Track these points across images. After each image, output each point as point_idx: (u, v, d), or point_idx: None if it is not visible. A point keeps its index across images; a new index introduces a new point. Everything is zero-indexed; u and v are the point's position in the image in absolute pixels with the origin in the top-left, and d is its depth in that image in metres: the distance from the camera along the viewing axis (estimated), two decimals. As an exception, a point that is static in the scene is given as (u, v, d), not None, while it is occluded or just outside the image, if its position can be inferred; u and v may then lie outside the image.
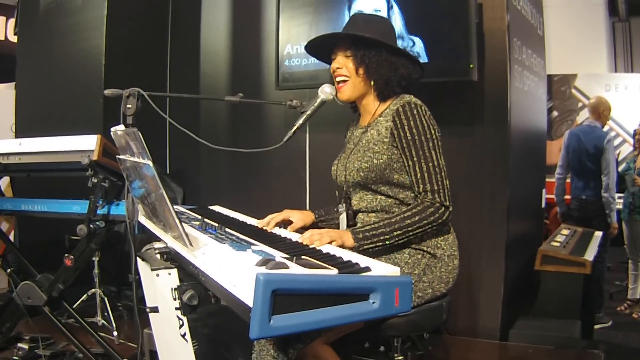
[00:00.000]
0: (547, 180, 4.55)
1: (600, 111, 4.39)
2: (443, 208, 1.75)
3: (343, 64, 1.88)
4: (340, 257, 1.46)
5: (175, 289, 1.62)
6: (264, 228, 1.93)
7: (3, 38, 7.54)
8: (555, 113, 7.28)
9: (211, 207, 2.42)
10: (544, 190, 4.35)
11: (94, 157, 2.40)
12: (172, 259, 1.67)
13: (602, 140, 4.25)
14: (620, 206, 4.54)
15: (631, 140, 6.29)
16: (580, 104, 7.23)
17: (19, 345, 2.85)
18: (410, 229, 1.72)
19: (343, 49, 1.89)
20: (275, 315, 1.11)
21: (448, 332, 3.30)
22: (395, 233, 1.71)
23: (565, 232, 3.98)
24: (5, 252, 3.36)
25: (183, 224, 1.49)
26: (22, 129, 4.24)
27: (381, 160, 1.81)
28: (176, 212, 1.47)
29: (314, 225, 2.05)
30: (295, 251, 1.49)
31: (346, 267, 1.35)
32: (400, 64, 1.86)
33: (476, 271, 3.26)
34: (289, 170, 3.85)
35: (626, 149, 6.91)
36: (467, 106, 3.25)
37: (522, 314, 3.42)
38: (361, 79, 1.88)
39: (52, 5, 4.12)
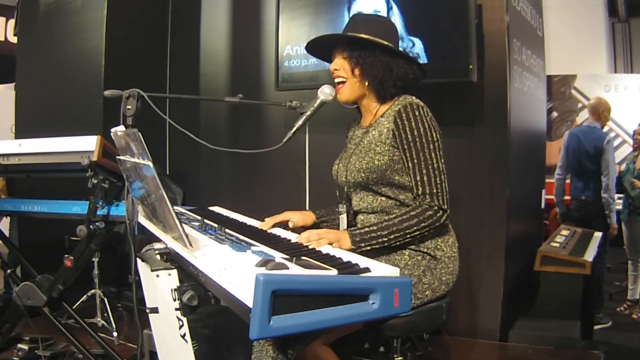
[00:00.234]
0: (547, 180, 4.55)
1: (600, 112, 4.39)
2: (441, 211, 1.75)
3: (340, 65, 1.89)
4: (340, 258, 1.47)
5: (175, 289, 1.62)
6: (264, 228, 1.94)
7: (3, 39, 7.55)
8: (555, 114, 7.29)
9: (211, 208, 2.42)
10: (543, 191, 4.35)
11: (94, 157, 2.40)
12: (172, 259, 1.67)
13: (602, 141, 4.25)
14: (620, 207, 4.54)
15: (631, 141, 6.30)
16: (580, 105, 7.24)
17: (19, 345, 2.85)
18: (407, 231, 1.72)
19: (340, 50, 1.89)
20: (275, 316, 1.12)
21: (448, 332, 3.30)
22: (392, 236, 1.72)
23: (565, 232, 3.98)
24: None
25: (183, 224, 1.49)
26: (22, 130, 4.24)
27: (382, 161, 1.81)
28: (176, 213, 1.47)
29: (314, 226, 2.05)
30: (295, 252, 1.49)
31: (346, 267, 1.35)
32: (394, 64, 1.86)
33: (476, 272, 3.26)
34: (288, 171, 3.85)
35: (626, 150, 6.92)
36: (467, 107, 3.26)
37: (522, 315, 3.42)
38: (357, 80, 1.88)
39: (52, 6, 4.13)
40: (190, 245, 1.48)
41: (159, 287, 1.69)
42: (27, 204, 2.83)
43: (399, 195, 1.84)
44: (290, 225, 1.96)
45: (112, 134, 1.83)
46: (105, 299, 3.34)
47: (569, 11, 7.39)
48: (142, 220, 1.94)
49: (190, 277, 1.57)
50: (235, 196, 4.05)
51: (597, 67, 7.58)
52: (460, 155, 3.20)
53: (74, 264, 2.61)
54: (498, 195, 3.21)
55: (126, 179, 1.82)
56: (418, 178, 1.78)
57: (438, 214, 1.75)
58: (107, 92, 1.91)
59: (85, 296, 3.40)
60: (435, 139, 1.79)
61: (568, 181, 4.59)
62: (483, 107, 3.23)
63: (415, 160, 1.78)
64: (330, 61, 1.95)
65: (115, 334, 3.16)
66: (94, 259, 3.23)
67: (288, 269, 1.22)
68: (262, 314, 1.09)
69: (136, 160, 1.62)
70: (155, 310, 1.81)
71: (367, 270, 1.34)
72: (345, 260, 1.44)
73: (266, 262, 1.23)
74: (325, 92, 1.89)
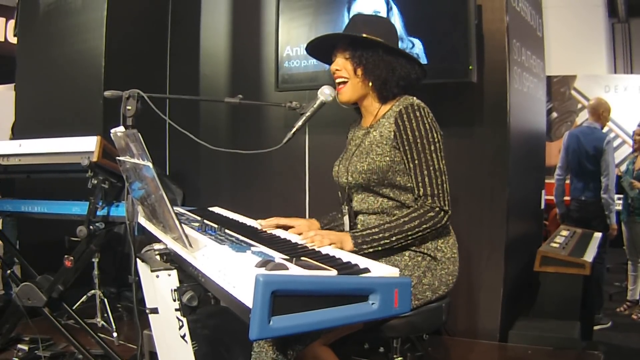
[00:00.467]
0: (547, 181, 4.55)
1: (600, 112, 4.39)
2: (442, 212, 1.75)
3: (342, 65, 1.88)
4: (339, 259, 1.47)
5: (175, 290, 1.62)
6: (264, 229, 1.93)
7: (3, 39, 7.55)
8: (554, 114, 7.29)
9: (211, 209, 2.42)
10: (543, 192, 4.35)
11: (94, 158, 2.41)
12: (171, 260, 1.67)
13: (602, 142, 4.25)
14: (619, 207, 4.54)
15: (630, 142, 6.30)
16: (579, 105, 7.24)
17: (19, 346, 2.85)
18: (409, 233, 1.72)
19: (342, 50, 1.89)
20: (275, 316, 1.12)
21: (447, 333, 3.30)
22: (394, 238, 1.72)
23: (565, 233, 3.98)
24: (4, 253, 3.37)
25: (183, 225, 1.49)
26: (22, 130, 4.24)
27: (383, 163, 1.81)
28: (176, 214, 1.47)
29: None
30: (295, 252, 1.49)
31: (345, 268, 1.35)
32: (397, 64, 1.86)
33: (476, 272, 3.26)
34: (288, 171, 3.86)
35: (626, 150, 6.91)
36: (467, 108, 3.26)
37: (522, 315, 3.42)
38: (360, 80, 1.88)
39: (52, 6, 4.13)
40: (190, 245, 1.48)
41: (158, 288, 1.69)
42: (27, 205, 2.83)
43: (400, 196, 1.84)
44: (291, 231, 1.94)
45: (111, 135, 1.83)
46: (105, 300, 3.35)
47: (568, 11, 7.39)
48: (142, 220, 1.94)
49: (190, 277, 1.57)
50: (235, 197, 4.05)
51: (596, 68, 7.58)
52: (460, 155, 3.20)
53: (74, 265, 2.61)
54: (498, 195, 3.21)
55: (126, 180, 1.83)
56: (419, 179, 1.77)
57: (440, 215, 1.74)
58: (107, 93, 1.91)
59: (85, 297, 3.40)
60: (436, 139, 1.79)
61: (568, 182, 4.59)
62: (483, 107, 3.23)
63: (417, 161, 1.78)
64: (329, 63, 1.95)
65: (115, 334, 3.17)
66: (93, 260, 3.24)
67: (288, 269, 1.22)
68: (261, 315, 1.09)
69: (136, 160, 1.62)
70: (155, 310, 1.82)
71: (366, 270, 1.34)
72: (345, 260, 1.44)
73: (266, 262, 1.23)
74: (325, 93, 1.89)
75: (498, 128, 3.21)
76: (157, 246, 1.70)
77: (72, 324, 2.91)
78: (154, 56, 4.33)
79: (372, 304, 1.26)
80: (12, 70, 4.39)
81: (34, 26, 4.25)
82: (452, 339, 3.28)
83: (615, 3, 8.20)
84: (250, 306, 1.10)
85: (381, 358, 2.73)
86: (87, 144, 2.44)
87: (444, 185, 1.77)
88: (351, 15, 3.28)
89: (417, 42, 3.11)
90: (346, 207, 1.98)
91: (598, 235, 4.10)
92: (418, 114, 1.78)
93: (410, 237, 1.73)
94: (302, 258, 1.35)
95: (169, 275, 1.65)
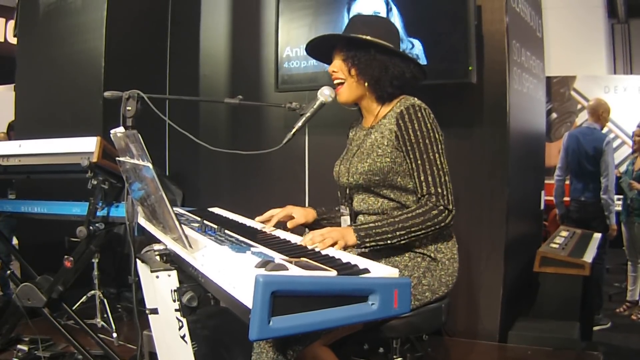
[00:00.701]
0: (546, 182, 4.55)
1: (600, 113, 4.40)
2: (446, 211, 1.74)
3: (338, 66, 1.89)
4: (339, 259, 1.47)
5: (174, 290, 1.62)
6: (264, 229, 1.93)
7: (3, 40, 7.56)
8: (554, 115, 7.30)
9: (210, 209, 2.42)
10: (543, 192, 4.35)
11: (94, 159, 2.41)
12: (171, 260, 1.67)
13: (601, 142, 4.26)
14: (619, 208, 4.55)
15: (630, 142, 6.30)
16: (579, 106, 7.24)
17: (19, 346, 2.85)
18: (413, 229, 1.71)
19: (338, 51, 1.90)
20: (275, 317, 1.12)
21: (447, 333, 3.30)
22: (397, 233, 1.70)
23: (564, 233, 3.98)
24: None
25: (182, 225, 1.49)
26: (22, 131, 4.24)
27: (384, 164, 1.81)
28: (176, 214, 1.47)
29: (315, 223, 2.05)
30: (295, 253, 1.49)
31: (345, 268, 1.35)
32: (390, 63, 1.85)
33: (475, 273, 3.26)
34: (288, 172, 3.86)
35: (625, 151, 6.92)
36: (466, 108, 3.26)
37: (521, 316, 3.43)
38: (355, 80, 1.88)
39: (52, 7, 4.13)
40: (190, 246, 1.49)
41: (158, 288, 1.69)
42: (27, 205, 2.83)
43: (401, 197, 1.84)
44: (289, 225, 1.94)
45: (111, 135, 1.83)
46: (105, 300, 3.35)
47: (568, 12, 7.40)
48: (142, 221, 1.94)
49: (190, 278, 1.57)
50: (235, 197, 4.05)
51: (596, 68, 7.59)
52: (460, 156, 3.20)
53: (73, 265, 2.61)
54: (497, 196, 3.22)
55: (126, 180, 1.83)
56: (422, 178, 1.77)
57: (443, 214, 1.73)
58: (106, 93, 1.91)
59: (85, 297, 3.40)
60: (438, 139, 1.78)
61: (567, 182, 4.59)
62: (482, 108, 3.24)
63: (419, 161, 1.77)
64: (329, 62, 1.95)
65: (115, 334, 3.17)
66: (93, 260, 3.24)
67: (287, 270, 1.22)
68: (261, 315, 1.09)
69: (136, 161, 1.62)
70: (155, 311, 1.82)
71: (366, 271, 1.34)
72: (344, 261, 1.44)
73: (266, 263, 1.23)
74: (324, 94, 1.89)
75: (498, 129, 3.21)
76: (157, 247, 1.70)
77: (72, 324, 2.91)
78: (154, 56, 4.33)
79: (372, 304, 1.26)
80: (12, 71, 4.39)
81: (34, 26, 4.25)
82: (452, 339, 3.28)
83: (615, 4, 8.21)
84: (250, 307, 1.10)
85: (381, 358, 2.73)
86: (87, 145, 2.44)
87: (448, 184, 1.77)
88: (351, 16, 3.28)
89: (416, 42, 3.11)
90: (346, 208, 1.98)
91: (598, 235, 4.10)
92: (419, 114, 1.78)
93: (412, 234, 1.71)
94: (302, 258, 1.35)
95: (169, 275, 1.65)
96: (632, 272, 4.51)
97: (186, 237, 1.47)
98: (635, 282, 4.51)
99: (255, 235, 1.77)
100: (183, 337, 1.68)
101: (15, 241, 4.32)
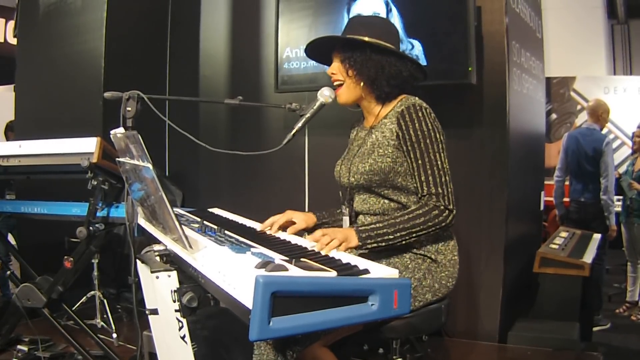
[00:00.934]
0: (546, 182, 4.55)
1: (599, 114, 4.40)
2: (447, 211, 1.74)
3: (337, 68, 1.90)
4: (339, 260, 1.47)
5: (174, 291, 1.62)
6: (263, 230, 1.93)
7: (2, 40, 7.56)
8: (554, 115, 7.30)
9: (210, 210, 2.42)
10: (542, 193, 4.35)
11: (94, 159, 2.41)
12: (171, 261, 1.67)
13: (601, 143, 4.26)
14: (619, 209, 4.55)
15: (630, 143, 6.30)
16: (579, 107, 7.25)
17: (19, 347, 2.85)
18: (414, 230, 1.70)
19: (336, 52, 1.90)
20: (275, 317, 1.12)
21: (447, 334, 3.30)
22: (399, 234, 1.70)
23: (564, 234, 3.98)
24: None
25: (182, 226, 1.49)
26: (22, 131, 4.24)
27: (385, 164, 1.81)
28: (176, 215, 1.47)
29: (316, 227, 2.04)
30: (295, 253, 1.49)
31: (345, 269, 1.35)
32: (386, 62, 1.84)
33: (475, 273, 3.26)
34: (288, 172, 3.86)
35: (625, 152, 6.92)
36: (466, 109, 3.26)
37: (521, 316, 3.42)
38: (353, 81, 1.88)
39: (52, 7, 4.13)
40: (190, 247, 1.49)
41: (158, 289, 1.69)
42: (27, 206, 2.83)
43: (401, 198, 1.84)
44: (290, 231, 1.93)
45: (111, 136, 1.83)
46: (105, 301, 3.35)
47: (568, 13, 7.41)
48: (142, 221, 1.94)
49: (190, 278, 1.57)
50: (235, 198, 4.05)
51: (596, 69, 7.59)
52: (460, 157, 3.20)
53: (73, 266, 2.62)
54: (497, 196, 3.22)
55: (126, 181, 1.83)
56: (423, 178, 1.77)
57: (444, 214, 1.73)
58: (106, 94, 1.91)
59: (84, 297, 3.40)
60: (439, 139, 1.78)
61: (567, 183, 4.60)
62: (482, 109, 3.24)
63: (420, 161, 1.77)
64: (329, 64, 1.96)
65: (114, 335, 3.17)
66: (93, 261, 3.24)
67: (287, 270, 1.22)
68: (261, 316, 1.09)
69: (136, 162, 1.63)
70: (155, 311, 1.82)
71: (366, 271, 1.34)
72: (344, 261, 1.44)
73: (266, 263, 1.23)
74: (324, 94, 1.90)
75: (497, 129, 3.21)
76: (157, 247, 1.70)
77: (72, 324, 2.91)
78: (153, 57, 4.33)
79: (372, 305, 1.27)
80: (11, 71, 4.39)
81: (34, 27, 4.25)
82: (452, 340, 3.28)
83: (615, 4, 8.21)
84: (250, 307, 1.10)
85: (381, 359, 2.73)
86: (87, 145, 2.44)
87: (449, 184, 1.76)
88: (350, 17, 3.28)
89: (416, 43, 3.11)
90: (346, 208, 1.98)
91: (597, 236, 4.10)
92: (420, 114, 1.78)
93: (414, 235, 1.71)
94: (302, 259, 1.35)
95: (169, 276, 1.66)
96: (632, 273, 4.52)
97: (186, 237, 1.47)
98: (634, 283, 4.51)
99: (255, 236, 1.77)
100: (183, 338, 1.68)
101: (13, 241, 4.32)
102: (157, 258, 1.68)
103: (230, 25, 4.23)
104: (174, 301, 1.62)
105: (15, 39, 4.82)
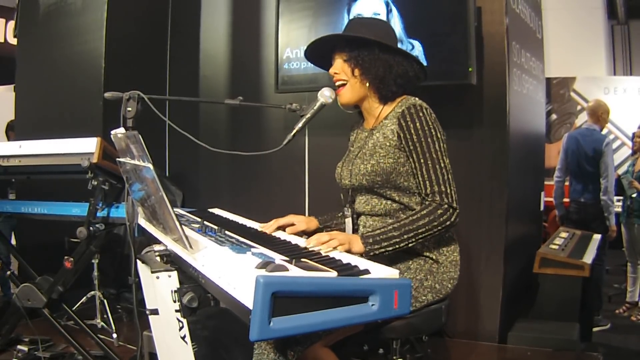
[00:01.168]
0: (546, 183, 4.56)
1: (599, 114, 4.40)
2: (451, 210, 1.73)
3: (340, 67, 1.89)
4: (339, 260, 1.47)
5: (175, 291, 1.62)
6: (264, 231, 1.93)
7: (3, 40, 7.56)
8: (554, 116, 7.30)
9: (211, 210, 2.42)
10: (542, 193, 4.36)
11: (94, 159, 2.41)
12: (172, 261, 1.67)
13: (601, 143, 4.26)
14: (619, 209, 4.55)
15: (630, 143, 6.30)
16: (579, 107, 7.25)
17: (19, 347, 2.85)
18: (420, 231, 1.70)
19: (339, 52, 1.89)
20: (275, 317, 1.12)
21: (447, 334, 3.30)
22: (405, 236, 1.69)
23: (564, 235, 3.98)
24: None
25: (183, 226, 1.49)
26: (22, 132, 4.24)
27: (387, 164, 1.81)
28: (176, 215, 1.47)
29: (317, 231, 2.04)
30: (295, 254, 1.49)
31: (345, 269, 1.35)
32: (394, 61, 1.85)
33: (475, 274, 3.26)
34: (288, 173, 3.86)
35: (625, 152, 6.92)
36: (466, 109, 3.26)
37: (521, 317, 3.42)
38: (358, 81, 1.88)
39: (52, 7, 4.13)
40: (190, 247, 1.49)
41: (159, 289, 1.69)
42: (27, 206, 2.83)
43: (403, 198, 1.84)
44: (288, 232, 1.94)
45: (112, 136, 1.83)
46: (105, 301, 3.35)
47: (568, 13, 7.41)
48: (142, 222, 1.94)
49: (190, 278, 1.57)
50: (235, 198, 4.06)
51: (596, 70, 7.59)
52: (460, 157, 3.19)
53: (73, 266, 2.62)
54: (497, 197, 3.22)
55: (126, 181, 1.83)
56: (426, 177, 1.76)
57: (448, 212, 1.72)
58: (107, 94, 1.91)
59: (84, 298, 3.40)
60: (440, 138, 1.78)
61: (567, 183, 4.60)
62: (482, 109, 3.24)
63: (422, 161, 1.77)
64: (328, 68, 1.95)
65: (114, 335, 3.17)
66: (93, 261, 3.24)
67: (288, 270, 1.22)
68: (262, 316, 1.10)
69: (136, 162, 1.63)
70: (155, 311, 1.82)
71: (366, 272, 1.34)
72: (345, 262, 1.44)
73: (266, 264, 1.23)
74: (325, 95, 1.89)
75: (497, 130, 3.21)
76: (157, 247, 1.70)
77: (72, 325, 2.91)
78: (153, 57, 4.33)
79: (372, 305, 1.27)
80: (12, 71, 4.39)
81: (34, 27, 4.25)
82: (452, 340, 3.28)
83: (615, 5, 8.21)
84: (251, 307, 1.10)
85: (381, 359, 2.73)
86: (87, 145, 2.44)
87: (451, 182, 1.76)
88: (350, 17, 3.28)
89: (416, 44, 3.11)
90: (348, 210, 1.98)
91: (597, 237, 4.10)
92: (421, 113, 1.78)
93: (420, 236, 1.70)
94: (302, 259, 1.35)
95: (169, 276, 1.66)
96: (632, 273, 4.52)
97: (187, 237, 1.47)
98: (634, 283, 4.51)
99: (256, 236, 1.77)
100: (183, 338, 1.68)
101: (13, 241, 4.32)
102: (158, 258, 1.68)
103: (230, 26, 4.23)
104: (174, 301, 1.62)
105: (16, 39, 4.82)
